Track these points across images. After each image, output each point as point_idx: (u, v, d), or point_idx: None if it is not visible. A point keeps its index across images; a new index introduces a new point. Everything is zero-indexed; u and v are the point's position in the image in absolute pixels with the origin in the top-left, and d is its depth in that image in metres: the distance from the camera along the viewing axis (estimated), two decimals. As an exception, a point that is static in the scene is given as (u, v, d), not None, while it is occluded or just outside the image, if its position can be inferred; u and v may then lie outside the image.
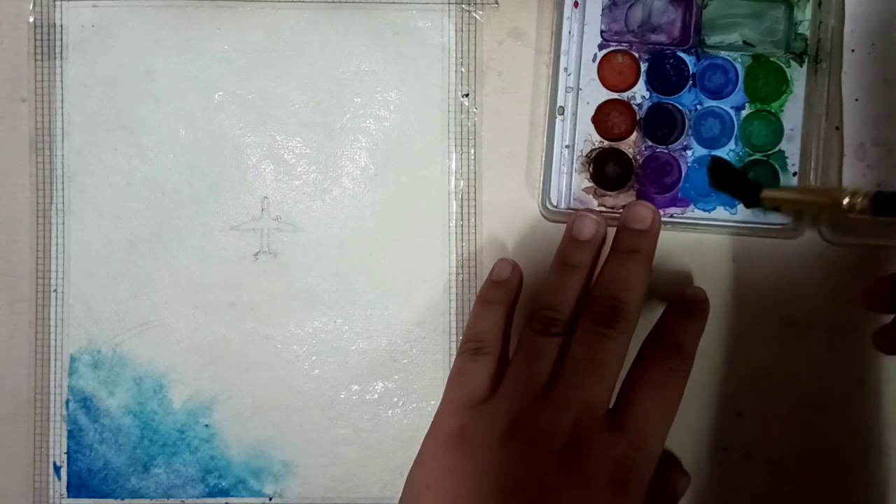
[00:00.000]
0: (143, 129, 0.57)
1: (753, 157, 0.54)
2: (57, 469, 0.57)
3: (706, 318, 0.52)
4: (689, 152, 0.55)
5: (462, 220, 0.57)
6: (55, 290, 0.57)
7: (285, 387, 0.57)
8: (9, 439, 0.57)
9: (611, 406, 0.48)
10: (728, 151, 0.55)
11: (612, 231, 0.56)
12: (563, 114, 0.55)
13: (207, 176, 0.57)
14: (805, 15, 0.54)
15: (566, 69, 0.55)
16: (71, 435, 0.57)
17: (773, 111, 0.54)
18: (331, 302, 0.57)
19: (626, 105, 0.55)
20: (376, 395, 0.57)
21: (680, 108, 0.55)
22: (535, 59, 0.57)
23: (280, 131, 0.57)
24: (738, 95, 0.54)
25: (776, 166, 0.54)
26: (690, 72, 0.55)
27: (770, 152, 0.54)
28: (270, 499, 0.57)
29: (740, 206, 0.54)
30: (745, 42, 0.54)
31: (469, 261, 0.57)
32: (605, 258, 0.51)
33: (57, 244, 0.57)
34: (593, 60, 0.55)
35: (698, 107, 0.55)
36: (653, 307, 0.56)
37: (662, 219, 0.52)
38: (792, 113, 0.54)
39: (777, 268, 0.56)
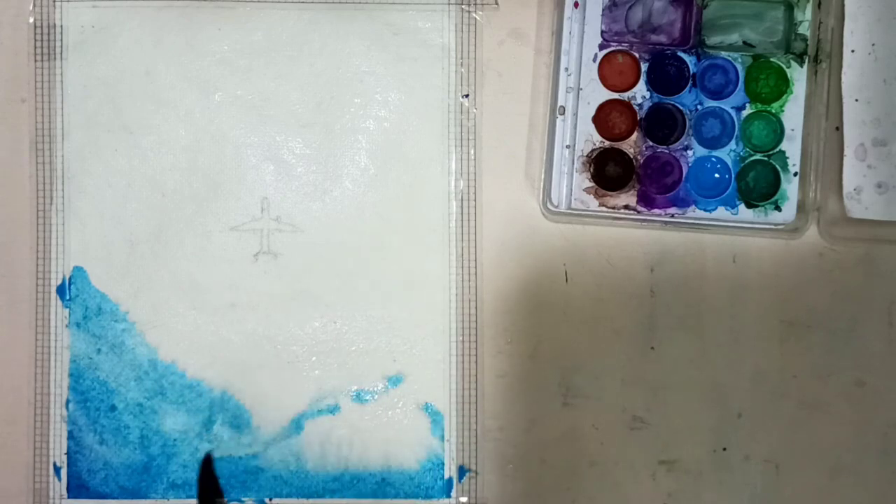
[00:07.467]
0: (142, 129, 0.57)
1: (754, 158, 0.54)
2: (57, 470, 0.57)
3: None
4: (689, 152, 0.55)
5: (462, 220, 0.57)
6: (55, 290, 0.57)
7: (285, 387, 0.57)
8: (9, 440, 0.57)
9: None
10: (729, 151, 0.55)
11: (613, 231, 0.56)
12: (563, 114, 0.55)
13: (207, 176, 0.57)
14: (805, 15, 0.54)
15: (567, 69, 0.55)
16: (71, 435, 0.57)
17: (773, 111, 0.54)
18: (331, 302, 0.57)
19: (626, 105, 0.55)
20: (376, 396, 0.57)
21: (680, 108, 0.55)
22: (535, 59, 0.57)
23: (280, 132, 0.57)
24: (738, 96, 0.55)
25: (777, 166, 0.54)
26: (691, 72, 0.55)
27: (771, 152, 0.54)
28: (270, 499, 0.57)
29: (741, 206, 0.54)
30: (745, 42, 0.54)
31: (469, 261, 0.57)
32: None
33: (57, 244, 0.57)
34: (594, 60, 0.55)
35: (699, 107, 0.55)
36: (653, 307, 0.56)
37: (664, 219, 0.52)
38: (792, 113, 0.54)
39: (777, 268, 0.56)
